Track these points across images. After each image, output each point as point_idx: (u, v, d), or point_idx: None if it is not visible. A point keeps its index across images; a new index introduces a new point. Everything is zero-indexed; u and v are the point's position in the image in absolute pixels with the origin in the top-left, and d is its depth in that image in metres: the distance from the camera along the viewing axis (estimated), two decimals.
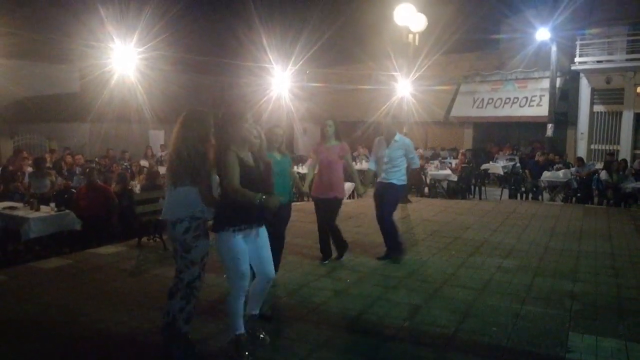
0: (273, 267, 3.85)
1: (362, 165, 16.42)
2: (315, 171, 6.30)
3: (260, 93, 18.73)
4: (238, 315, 3.61)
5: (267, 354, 3.80)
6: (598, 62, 18.10)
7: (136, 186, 9.52)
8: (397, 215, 9.84)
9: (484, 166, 16.04)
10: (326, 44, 19.20)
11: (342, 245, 6.37)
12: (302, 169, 14.17)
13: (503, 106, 19.97)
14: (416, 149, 16.71)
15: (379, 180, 6.63)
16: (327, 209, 6.14)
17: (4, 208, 7.54)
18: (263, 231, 3.75)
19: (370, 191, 6.94)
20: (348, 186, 12.95)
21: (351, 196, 12.76)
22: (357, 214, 9.83)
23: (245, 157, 3.62)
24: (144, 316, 4.47)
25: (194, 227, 3.55)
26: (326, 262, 6.21)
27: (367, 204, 11.35)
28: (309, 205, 11.01)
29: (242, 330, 3.63)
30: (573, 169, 13.31)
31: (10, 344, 3.99)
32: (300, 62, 18.05)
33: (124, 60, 11.89)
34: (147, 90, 16.32)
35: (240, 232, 3.56)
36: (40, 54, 18.60)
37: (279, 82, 17.78)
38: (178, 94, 20.26)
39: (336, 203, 6.18)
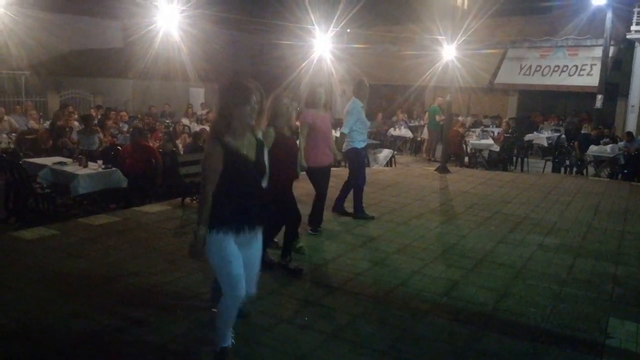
0: (254, 286, 3.30)
1: (402, 131, 16.24)
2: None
3: (301, 54, 18.56)
4: (228, 327, 3.22)
5: (308, 320, 3.91)
6: None
7: (179, 146, 9.71)
8: (436, 185, 9.83)
9: (527, 136, 15.62)
10: (369, 2, 18.74)
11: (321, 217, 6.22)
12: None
13: (551, 74, 19.22)
14: (457, 115, 16.46)
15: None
16: (327, 177, 6.06)
17: (54, 163, 7.85)
18: (258, 240, 3.22)
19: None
20: (386, 153, 12.90)
21: (388, 164, 12.68)
22: (395, 182, 9.78)
23: (239, 145, 3.04)
24: (189, 277, 4.65)
25: None
26: (319, 230, 6.14)
27: (403, 173, 11.31)
28: (343, 172, 11.02)
29: (229, 343, 3.24)
30: (621, 144, 12.81)
31: (63, 296, 4.22)
32: (342, 23, 17.72)
33: (167, 18, 11.95)
34: (188, 48, 16.44)
35: (233, 233, 3.04)
36: (85, 9, 18.84)
37: (320, 43, 17.54)
38: (218, 52, 20.31)
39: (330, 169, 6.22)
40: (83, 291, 4.37)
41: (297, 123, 5.86)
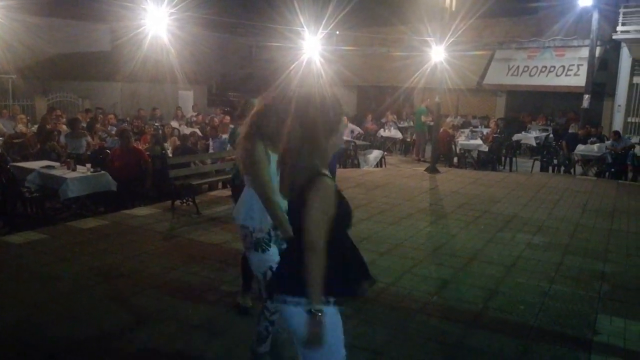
0: None
1: (391, 132, 16.31)
2: None
3: (290, 57, 18.57)
4: None
5: None
6: None
7: (168, 148, 9.67)
8: (425, 186, 9.87)
9: (515, 136, 15.74)
10: (358, 4, 18.80)
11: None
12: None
13: (539, 75, 19.38)
14: (446, 116, 16.55)
15: None
16: None
17: (42, 167, 7.77)
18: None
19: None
20: (376, 154, 12.95)
21: (378, 165, 12.73)
22: (385, 183, 9.82)
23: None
24: (179, 279, 4.63)
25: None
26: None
27: (393, 174, 11.35)
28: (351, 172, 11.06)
29: None
30: (608, 143, 12.96)
31: (54, 300, 4.19)
32: (332, 25, 17.76)
33: (155, 21, 11.90)
34: (177, 51, 16.39)
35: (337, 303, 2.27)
36: (73, 12, 18.73)
37: (309, 45, 17.56)
38: (207, 55, 20.28)
39: None
40: (73, 295, 4.34)
41: None
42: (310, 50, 17.82)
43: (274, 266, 2.85)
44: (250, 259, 3.11)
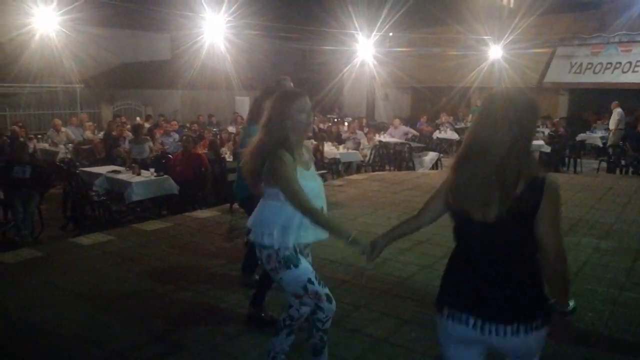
0: None
1: (447, 133, 16.03)
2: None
3: (343, 60, 18.62)
4: None
5: (357, 324, 3.91)
6: None
7: (226, 153, 9.92)
8: None
9: (579, 136, 15.09)
10: (412, 6, 18.63)
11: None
12: (383, 137, 14.05)
13: (603, 72, 18.50)
14: None
15: None
16: None
17: (109, 172, 8.17)
18: None
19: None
20: (431, 156, 12.76)
21: (434, 167, 12.54)
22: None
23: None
24: (240, 278, 4.74)
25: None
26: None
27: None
28: (387, 175, 11.00)
29: None
30: None
31: (121, 299, 4.39)
32: (386, 27, 17.68)
33: (213, 29, 12.26)
34: (233, 58, 16.79)
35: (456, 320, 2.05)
36: (135, 23, 19.56)
37: (363, 48, 17.56)
38: (261, 61, 20.65)
39: None
40: (139, 294, 4.53)
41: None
42: (364, 53, 17.81)
43: (312, 277, 2.76)
44: (282, 281, 2.81)
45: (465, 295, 2.05)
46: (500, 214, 1.91)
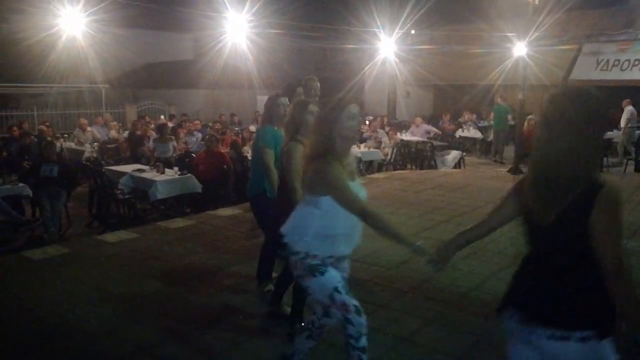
0: None
1: (470, 132, 15.85)
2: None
3: (365, 58, 18.56)
4: None
5: (378, 323, 3.90)
6: None
7: (248, 152, 9.97)
8: (508, 187, 9.44)
9: (606, 134, 14.76)
10: (435, 3, 18.49)
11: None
12: (405, 136, 13.95)
13: (631, 69, 18.08)
14: (529, 114, 15.84)
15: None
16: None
17: (134, 170, 8.30)
18: None
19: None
20: (454, 155, 12.64)
21: (457, 165, 12.42)
22: (464, 185, 9.56)
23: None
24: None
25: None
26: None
27: (472, 175, 11.02)
28: (409, 174, 10.93)
29: None
30: None
31: (147, 296, 4.45)
32: (408, 25, 17.57)
33: (236, 29, 12.34)
34: (255, 57, 16.88)
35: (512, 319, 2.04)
36: (158, 24, 19.80)
37: (385, 46, 17.48)
38: (283, 60, 20.72)
39: None
40: (164, 291, 4.59)
41: None
42: (385, 51, 17.73)
43: (339, 286, 2.66)
44: (309, 288, 2.75)
45: (518, 295, 2.06)
46: (552, 219, 1.88)
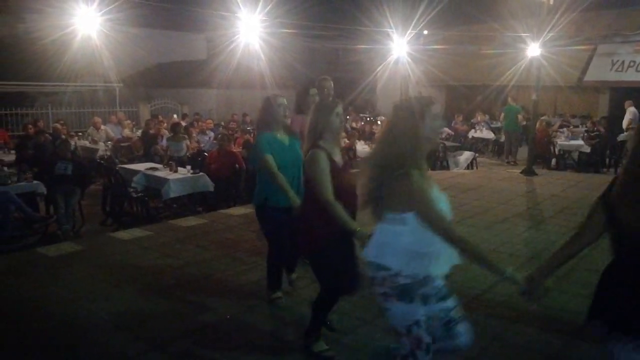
0: None
1: (483, 132, 15.77)
2: None
3: (377, 59, 18.51)
4: None
5: None
6: None
7: None
8: (522, 189, 9.41)
9: (621, 136, 14.59)
10: (448, 3, 18.40)
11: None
12: None
13: None
14: (543, 115, 15.70)
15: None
16: None
17: (147, 169, 8.35)
18: None
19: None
20: (467, 156, 12.57)
21: (469, 166, 12.35)
22: (477, 185, 9.50)
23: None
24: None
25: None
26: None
27: (485, 176, 10.95)
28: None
29: None
30: None
31: (159, 293, 4.48)
32: (421, 25, 17.49)
33: (249, 29, 12.37)
34: (267, 57, 16.90)
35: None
36: (171, 23, 19.91)
37: (397, 46, 17.42)
38: (295, 60, 20.73)
39: None
40: (176, 288, 4.62)
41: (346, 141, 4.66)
42: (398, 51, 17.67)
43: (422, 321, 2.42)
44: (389, 311, 2.48)
45: (602, 302, 2.11)
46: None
